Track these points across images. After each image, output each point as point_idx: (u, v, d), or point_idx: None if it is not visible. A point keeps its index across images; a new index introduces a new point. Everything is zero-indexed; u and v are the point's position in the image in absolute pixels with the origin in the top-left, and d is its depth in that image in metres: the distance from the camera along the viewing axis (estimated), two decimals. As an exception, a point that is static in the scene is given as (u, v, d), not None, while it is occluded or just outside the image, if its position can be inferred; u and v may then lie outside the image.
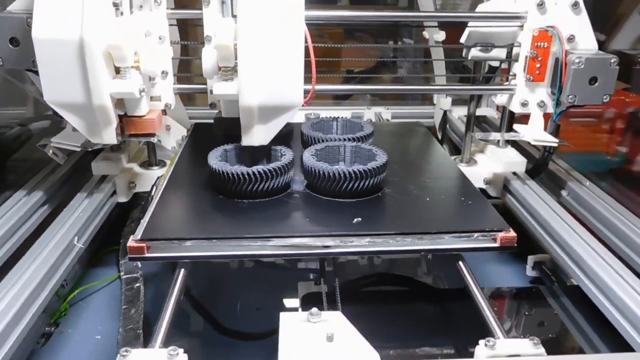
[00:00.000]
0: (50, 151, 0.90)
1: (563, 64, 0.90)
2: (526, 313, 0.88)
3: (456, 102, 1.40)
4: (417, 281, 1.01)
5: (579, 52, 0.89)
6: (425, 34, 1.28)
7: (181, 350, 0.56)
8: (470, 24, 0.97)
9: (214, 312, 0.95)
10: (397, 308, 0.80)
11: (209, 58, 0.80)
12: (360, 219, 0.75)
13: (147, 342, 0.85)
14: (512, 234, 0.73)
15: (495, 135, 1.02)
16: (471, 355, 0.59)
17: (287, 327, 0.61)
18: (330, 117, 1.07)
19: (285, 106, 0.82)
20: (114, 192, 0.99)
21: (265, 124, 0.82)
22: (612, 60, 0.88)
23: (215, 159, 0.83)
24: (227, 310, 0.94)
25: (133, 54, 0.81)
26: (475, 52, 1.00)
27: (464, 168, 1.07)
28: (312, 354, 0.57)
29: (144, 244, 0.70)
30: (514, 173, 1.04)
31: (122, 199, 1.01)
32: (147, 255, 0.70)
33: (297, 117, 1.36)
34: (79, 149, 0.89)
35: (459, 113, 1.38)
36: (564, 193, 1.01)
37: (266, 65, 0.78)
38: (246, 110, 0.80)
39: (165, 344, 0.60)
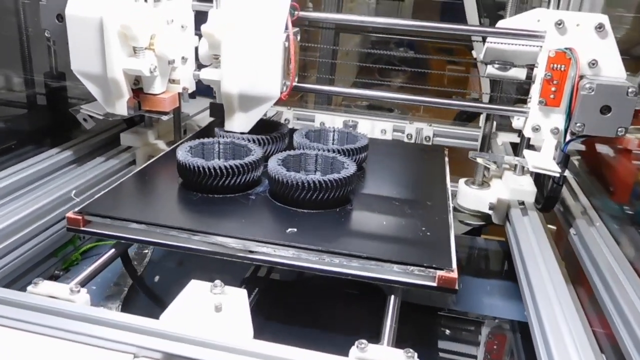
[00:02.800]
0: (82, 117, 1.04)
1: (574, 89, 0.83)
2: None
3: (504, 127, 1.34)
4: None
5: (593, 78, 0.82)
6: (474, 52, 1.24)
7: (84, 290, 0.62)
8: (488, 39, 0.93)
9: (157, 276, 0.99)
10: (319, 303, 0.79)
11: (203, 46, 0.88)
12: (295, 229, 0.72)
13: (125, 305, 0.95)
14: (452, 275, 0.65)
15: (490, 157, 0.96)
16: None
17: (187, 292, 0.64)
18: (330, 127, 1.04)
19: (263, 97, 0.86)
20: (133, 162, 1.10)
21: (245, 112, 0.88)
22: (629, 90, 0.79)
23: (185, 149, 0.85)
24: (174, 277, 0.98)
25: (147, 37, 0.91)
26: (492, 70, 0.95)
27: (474, 191, 1.03)
28: (191, 317, 0.60)
29: (80, 217, 0.73)
30: (523, 203, 0.97)
31: (140, 169, 1.12)
32: (82, 228, 0.73)
33: (337, 123, 1.40)
34: (101, 117, 1.01)
35: (503, 139, 1.31)
36: (572, 232, 0.92)
37: (247, 58, 0.84)
38: (227, 96, 0.86)
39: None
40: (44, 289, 0.62)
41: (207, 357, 0.54)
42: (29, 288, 0.62)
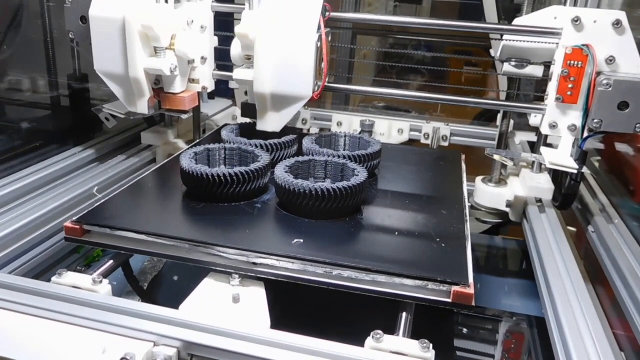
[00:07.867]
0: (104, 116, 1.06)
1: (592, 85, 0.83)
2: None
3: (522, 127, 1.33)
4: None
5: (610, 74, 0.81)
6: (492, 51, 1.24)
7: (106, 281, 0.64)
8: (505, 37, 0.93)
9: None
10: (334, 298, 0.79)
11: (235, 46, 0.90)
12: (301, 240, 0.69)
13: (144, 295, 0.97)
14: (468, 290, 0.62)
15: (507, 153, 0.96)
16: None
17: (206, 284, 0.66)
18: (341, 132, 1.00)
19: (296, 96, 0.87)
20: (153, 160, 1.12)
21: (277, 111, 0.89)
22: (647, 85, 0.79)
23: (189, 156, 0.82)
24: (193, 273, 0.99)
25: (168, 37, 0.93)
26: (508, 67, 0.95)
27: (491, 188, 1.02)
28: (209, 307, 0.61)
29: (78, 226, 0.70)
30: (540, 200, 0.97)
31: (160, 167, 1.14)
32: (80, 238, 0.70)
33: (354, 122, 1.41)
34: (123, 116, 1.03)
35: (521, 138, 1.31)
36: (590, 229, 0.91)
37: (280, 58, 0.85)
38: (259, 96, 0.87)
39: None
40: (67, 280, 0.64)
41: (224, 346, 0.55)
42: (53, 278, 0.64)
